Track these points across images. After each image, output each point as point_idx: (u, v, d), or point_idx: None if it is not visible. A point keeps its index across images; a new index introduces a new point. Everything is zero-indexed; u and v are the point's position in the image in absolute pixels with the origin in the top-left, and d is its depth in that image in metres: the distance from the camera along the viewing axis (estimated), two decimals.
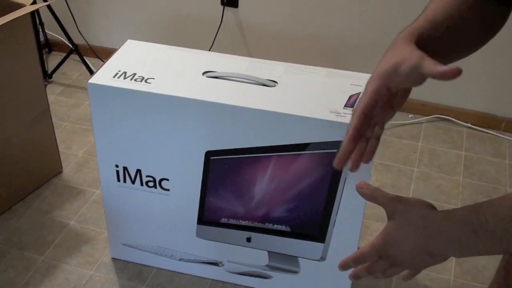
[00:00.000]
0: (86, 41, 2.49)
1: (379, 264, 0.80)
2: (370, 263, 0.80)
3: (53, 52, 2.61)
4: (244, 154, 1.30)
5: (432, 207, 0.74)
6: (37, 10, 2.34)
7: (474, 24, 0.81)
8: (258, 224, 1.39)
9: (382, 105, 0.77)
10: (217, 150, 1.32)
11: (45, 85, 2.21)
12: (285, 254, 1.42)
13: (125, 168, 1.41)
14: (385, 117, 0.80)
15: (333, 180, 1.27)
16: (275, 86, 1.31)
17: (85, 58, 2.37)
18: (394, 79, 0.72)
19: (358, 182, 0.79)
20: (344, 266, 0.83)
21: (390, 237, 0.75)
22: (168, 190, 1.41)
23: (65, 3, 2.35)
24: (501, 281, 0.95)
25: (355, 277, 0.85)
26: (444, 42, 0.78)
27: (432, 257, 0.73)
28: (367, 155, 0.81)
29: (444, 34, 0.78)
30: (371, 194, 0.79)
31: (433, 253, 0.72)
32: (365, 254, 0.79)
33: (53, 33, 2.52)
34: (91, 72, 2.36)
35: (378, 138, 0.81)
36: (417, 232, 0.72)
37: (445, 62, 0.70)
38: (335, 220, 1.33)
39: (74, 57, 2.42)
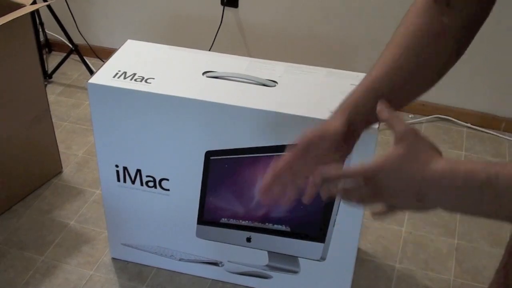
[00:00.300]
0: (86, 41, 2.49)
1: (360, 189, 0.72)
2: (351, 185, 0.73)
3: (53, 52, 2.61)
4: (244, 154, 1.30)
5: (441, 154, 0.69)
6: (37, 10, 2.34)
7: (424, 74, 0.83)
8: (258, 224, 1.39)
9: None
10: (217, 150, 1.32)
11: (45, 85, 2.21)
12: (285, 254, 1.42)
13: (125, 168, 1.41)
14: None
15: None
16: (275, 86, 1.31)
17: (85, 58, 2.37)
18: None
19: (379, 104, 0.75)
20: (325, 180, 0.76)
21: (388, 163, 0.69)
22: (168, 190, 1.41)
23: (65, 3, 2.35)
24: (501, 281, 0.95)
25: (327, 195, 0.78)
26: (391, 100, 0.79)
27: (419, 201, 0.68)
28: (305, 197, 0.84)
29: (387, 95, 0.80)
30: (388, 117, 0.74)
31: (423, 198, 0.67)
32: (352, 173, 0.72)
33: (53, 33, 2.52)
34: (91, 72, 2.36)
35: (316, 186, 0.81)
36: (417, 169, 0.67)
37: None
38: (335, 220, 1.33)
39: (74, 57, 2.42)
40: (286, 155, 0.86)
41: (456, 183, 0.64)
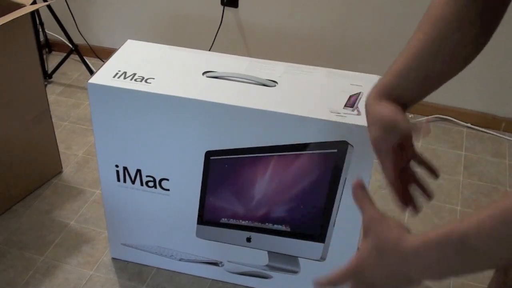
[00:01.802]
0: (86, 41, 2.49)
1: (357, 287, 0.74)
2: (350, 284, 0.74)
3: (53, 52, 2.61)
4: (244, 154, 1.30)
5: (408, 231, 0.68)
6: (37, 10, 2.35)
7: (449, 63, 0.84)
8: (258, 224, 1.39)
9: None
10: (217, 150, 1.32)
11: (45, 85, 2.21)
12: (285, 254, 1.42)
13: (125, 168, 1.41)
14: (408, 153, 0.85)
15: (333, 180, 1.27)
16: (275, 86, 1.31)
17: (85, 58, 2.37)
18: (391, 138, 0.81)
19: (355, 181, 0.76)
20: (319, 285, 0.79)
21: (364, 260, 0.70)
22: (168, 190, 1.41)
23: (65, 3, 2.35)
24: (500, 280, 0.96)
25: None
26: (416, 89, 0.84)
27: (410, 282, 0.67)
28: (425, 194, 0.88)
29: (413, 83, 0.83)
30: (359, 199, 0.75)
31: (412, 279, 0.67)
32: (339, 277, 0.75)
33: (53, 33, 2.52)
34: (91, 72, 2.36)
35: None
36: (393, 256, 0.67)
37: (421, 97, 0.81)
38: (335, 220, 1.33)
39: (74, 57, 2.42)
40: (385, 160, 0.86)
41: (431, 256, 0.63)
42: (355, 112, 1.22)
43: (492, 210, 0.59)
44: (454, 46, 0.82)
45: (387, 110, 0.82)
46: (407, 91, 0.83)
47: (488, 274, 1.16)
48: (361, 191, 0.75)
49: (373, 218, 0.71)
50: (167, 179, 1.40)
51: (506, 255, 0.59)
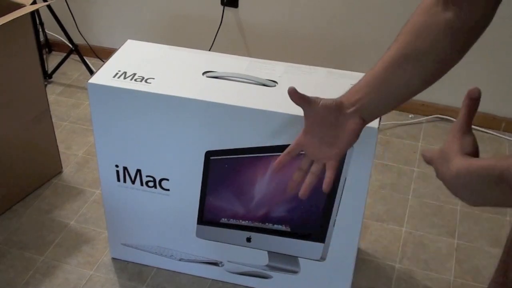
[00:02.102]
0: (86, 41, 2.49)
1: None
2: None
3: (53, 52, 2.61)
4: (244, 154, 1.30)
5: (466, 152, 0.78)
6: (37, 10, 2.34)
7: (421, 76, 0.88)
8: (258, 224, 1.39)
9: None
10: (217, 150, 1.32)
11: (45, 85, 2.21)
12: (285, 254, 1.42)
13: (125, 168, 1.41)
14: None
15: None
16: (275, 86, 1.31)
17: (85, 58, 2.37)
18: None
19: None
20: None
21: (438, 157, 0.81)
22: (168, 190, 1.41)
23: (65, 3, 2.35)
24: (500, 280, 0.96)
25: None
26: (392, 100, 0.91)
27: (456, 195, 0.75)
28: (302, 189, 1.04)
29: (387, 96, 0.90)
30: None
31: (456, 193, 0.74)
32: (430, 156, 0.83)
33: (53, 33, 2.52)
34: (91, 72, 2.36)
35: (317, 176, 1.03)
36: (446, 169, 0.76)
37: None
38: (335, 220, 1.33)
39: (74, 57, 2.42)
40: (296, 138, 1.03)
41: (470, 181, 0.70)
42: None
43: None
44: (425, 60, 0.85)
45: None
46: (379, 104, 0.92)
47: (489, 275, 1.16)
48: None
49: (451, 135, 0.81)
50: (167, 179, 1.40)
51: None
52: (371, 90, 0.91)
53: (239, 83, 1.31)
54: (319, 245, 1.37)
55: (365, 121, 0.94)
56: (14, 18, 1.53)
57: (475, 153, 0.77)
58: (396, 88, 0.89)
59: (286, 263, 1.45)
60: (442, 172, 0.76)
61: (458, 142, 0.79)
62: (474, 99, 0.79)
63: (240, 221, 1.40)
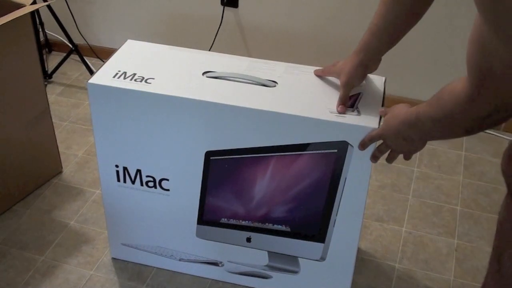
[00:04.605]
0: (86, 41, 2.49)
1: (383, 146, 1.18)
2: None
3: (53, 52, 2.61)
4: (244, 154, 1.30)
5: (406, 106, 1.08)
6: (37, 10, 2.35)
7: (409, 18, 1.17)
8: (258, 224, 1.39)
9: None
10: (217, 150, 1.32)
11: (45, 85, 2.21)
12: (285, 254, 1.42)
13: (125, 168, 1.41)
14: None
15: (333, 180, 1.27)
16: (275, 86, 1.31)
17: (85, 58, 2.37)
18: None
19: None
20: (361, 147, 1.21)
21: (386, 125, 1.13)
22: (168, 190, 1.41)
23: (65, 3, 2.35)
24: (495, 269, 0.96)
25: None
26: (389, 42, 1.21)
27: (404, 140, 1.07)
28: None
29: (387, 37, 1.20)
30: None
31: (405, 138, 1.06)
32: (370, 138, 1.19)
33: (53, 33, 2.52)
34: (91, 72, 2.36)
35: None
36: (394, 122, 1.09)
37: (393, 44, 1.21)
38: (335, 220, 1.33)
39: (74, 57, 2.42)
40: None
41: (404, 124, 1.04)
42: (355, 112, 1.22)
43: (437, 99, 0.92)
44: (395, 18, 1.18)
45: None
46: (381, 45, 1.21)
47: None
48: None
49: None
50: (167, 179, 1.40)
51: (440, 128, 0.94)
52: (370, 33, 1.22)
53: (239, 83, 1.31)
54: (319, 245, 1.37)
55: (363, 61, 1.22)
56: (14, 18, 1.53)
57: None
58: (390, 24, 1.19)
59: (286, 263, 1.45)
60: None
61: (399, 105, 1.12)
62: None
63: (240, 221, 1.40)
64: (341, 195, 1.29)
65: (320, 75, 1.33)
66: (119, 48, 1.42)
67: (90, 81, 1.30)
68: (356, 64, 1.21)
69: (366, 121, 1.19)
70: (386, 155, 1.19)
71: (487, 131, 2.16)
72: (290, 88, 1.30)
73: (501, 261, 0.93)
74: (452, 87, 0.85)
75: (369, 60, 1.22)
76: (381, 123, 1.15)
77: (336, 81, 1.33)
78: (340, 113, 1.21)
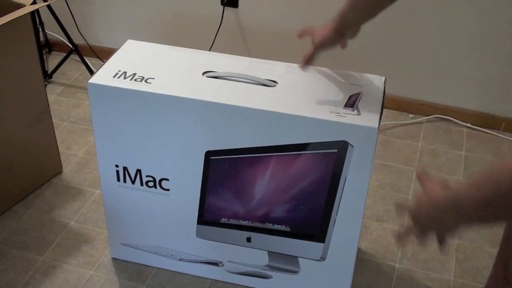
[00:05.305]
0: (86, 41, 2.49)
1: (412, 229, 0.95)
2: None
3: (53, 52, 2.61)
4: (244, 154, 1.30)
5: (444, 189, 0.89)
6: (37, 10, 2.35)
7: None
8: (258, 224, 1.39)
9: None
10: (217, 150, 1.32)
11: (45, 85, 2.21)
12: (285, 254, 1.42)
13: (125, 168, 1.41)
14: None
15: (333, 180, 1.27)
16: (275, 86, 1.31)
17: (85, 58, 2.37)
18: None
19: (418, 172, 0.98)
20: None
21: (418, 205, 0.92)
22: (168, 190, 1.41)
23: (65, 3, 2.35)
24: (500, 274, 0.96)
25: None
26: (366, 14, 1.21)
27: (442, 226, 0.88)
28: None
29: (364, 9, 1.20)
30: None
31: (443, 223, 0.87)
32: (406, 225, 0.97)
33: (53, 33, 2.52)
34: (91, 72, 2.36)
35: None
36: (428, 206, 0.89)
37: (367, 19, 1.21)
38: (335, 220, 1.33)
39: (74, 57, 2.42)
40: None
41: (438, 210, 0.86)
42: (355, 112, 1.22)
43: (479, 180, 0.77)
44: None
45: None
46: (356, 16, 1.23)
47: (489, 274, 1.16)
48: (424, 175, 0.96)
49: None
50: (167, 179, 1.40)
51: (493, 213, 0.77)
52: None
53: (239, 83, 1.31)
54: (319, 245, 1.37)
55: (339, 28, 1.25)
56: (14, 18, 1.53)
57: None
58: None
59: (286, 263, 1.45)
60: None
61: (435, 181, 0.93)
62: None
63: (240, 221, 1.40)
64: (341, 195, 1.29)
65: (299, 37, 1.40)
66: (119, 48, 1.42)
67: (90, 81, 1.30)
68: (331, 30, 1.26)
69: (366, 121, 1.19)
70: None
71: (487, 131, 2.16)
72: (290, 88, 1.30)
73: (508, 268, 0.93)
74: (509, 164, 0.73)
75: (345, 28, 1.25)
76: (413, 203, 0.95)
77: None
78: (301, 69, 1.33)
